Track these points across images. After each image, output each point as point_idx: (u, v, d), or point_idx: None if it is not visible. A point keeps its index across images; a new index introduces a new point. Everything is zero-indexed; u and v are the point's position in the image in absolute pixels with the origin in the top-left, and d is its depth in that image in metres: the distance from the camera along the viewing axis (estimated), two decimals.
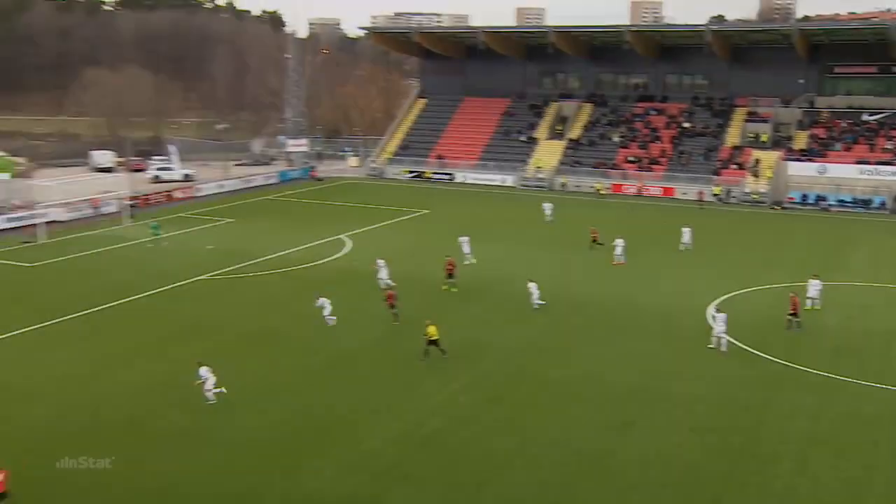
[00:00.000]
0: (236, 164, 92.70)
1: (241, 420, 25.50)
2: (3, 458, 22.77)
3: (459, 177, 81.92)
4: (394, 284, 39.23)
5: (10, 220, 58.00)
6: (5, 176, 76.04)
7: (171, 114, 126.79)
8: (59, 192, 61.17)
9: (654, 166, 76.75)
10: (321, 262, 46.35)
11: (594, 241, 49.21)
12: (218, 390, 26.85)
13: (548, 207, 58.87)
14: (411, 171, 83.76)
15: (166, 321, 35.18)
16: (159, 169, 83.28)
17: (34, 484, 21.45)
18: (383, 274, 39.96)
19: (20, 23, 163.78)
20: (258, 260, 46.94)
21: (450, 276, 39.86)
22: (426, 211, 64.17)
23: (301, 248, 50.13)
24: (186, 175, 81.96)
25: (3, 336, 33.22)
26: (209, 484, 21.68)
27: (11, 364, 30.24)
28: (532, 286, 36.72)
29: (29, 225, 56.76)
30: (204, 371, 26.89)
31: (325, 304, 34.25)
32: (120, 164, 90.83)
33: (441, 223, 58.78)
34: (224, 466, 22.64)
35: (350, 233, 54.86)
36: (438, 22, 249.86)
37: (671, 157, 77.61)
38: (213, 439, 24.22)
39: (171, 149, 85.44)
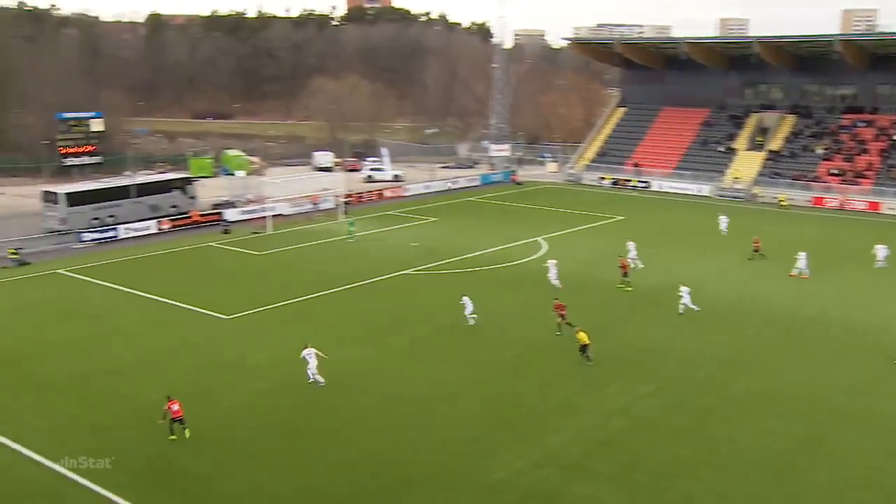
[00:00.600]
0: (442, 167, 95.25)
1: (435, 409, 26.40)
2: (231, 424, 25.22)
3: (655, 185, 79.58)
4: (561, 286, 39.72)
5: (243, 212, 63.27)
6: (242, 173, 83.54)
7: (385, 119, 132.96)
8: (285, 188, 66.24)
9: (859, 180, 70.65)
10: (517, 262, 46.74)
11: (756, 251, 47.29)
12: (316, 377, 27.62)
13: (723, 220, 55.89)
14: (608, 178, 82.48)
15: (372, 311, 36.82)
16: (372, 169, 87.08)
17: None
18: (552, 273, 40.58)
19: (262, 38, 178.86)
20: (458, 258, 47.97)
21: (624, 275, 40.54)
22: (621, 217, 62.95)
23: (499, 248, 50.70)
24: (396, 176, 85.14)
25: (236, 315, 36.49)
26: (398, 464, 22.59)
27: (242, 340, 33.20)
28: (684, 290, 35.82)
29: (259, 217, 61.90)
30: (307, 352, 27.81)
31: (467, 302, 34.24)
32: (337, 164, 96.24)
33: (635, 229, 57.48)
34: (416, 449, 23.50)
35: (546, 235, 54.90)
36: (640, 33, 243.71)
37: (879, 170, 71.10)
38: (406, 425, 25.15)
39: (384, 151, 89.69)
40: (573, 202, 70.25)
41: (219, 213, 61.26)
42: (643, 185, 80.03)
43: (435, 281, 42.85)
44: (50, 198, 56.87)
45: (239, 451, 23.38)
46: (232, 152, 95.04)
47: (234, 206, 65.51)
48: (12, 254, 47.49)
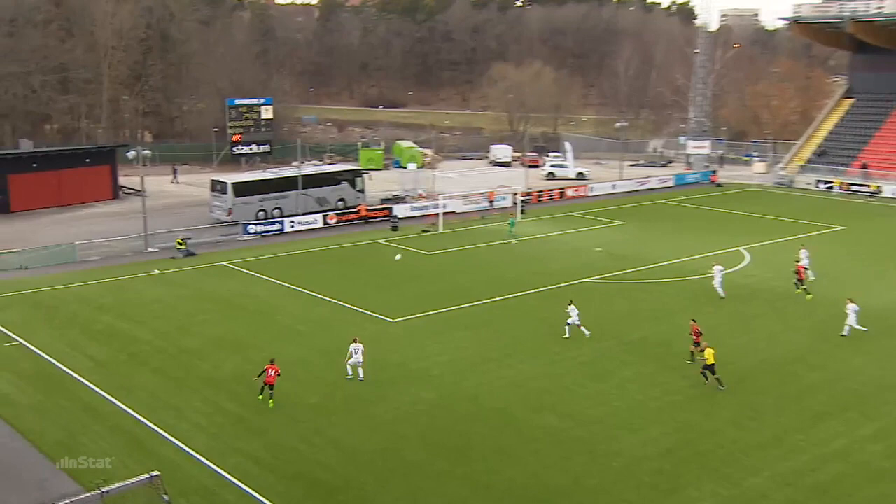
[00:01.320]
0: (631, 165, 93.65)
1: (615, 434, 25.92)
2: (391, 433, 25.99)
3: (888, 190, 73.81)
4: (723, 295, 40.00)
5: (413, 208, 64.99)
6: (413, 166, 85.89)
7: (570, 110, 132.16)
8: (459, 184, 67.53)
9: None
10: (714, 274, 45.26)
11: None
12: (353, 374, 29.73)
13: None
14: (829, 181, 77.49)
15: (549, 321, 36.78)
16: (553, 166, 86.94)
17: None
18: (717, 281, 40.77)
19: (439, 21, 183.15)
20: (647, 266, 47.11)
21: (800, 281, 40.82)
22: (841, 227, 59.02)
23: (694, 257, 49.37)
24: (580, 173, 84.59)
25: (403, 318, 37.49)
26: (567, 494, 22.37)
27: (405, 345, 34.08)
28: (851, 307, 34.80)
29: (430, 214, 63.33)
30: (354, 347, 29.99)
31: (573, 312, 34.39)
32: (516, 159, 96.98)
33: (857, 242, 53.75)
34: (589, 478, 23.20)
35: (749, 245, 52.66)
36: (879, 8, 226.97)
37: None
38: (580, 449, 24.87)
39: (567, 146, 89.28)
40: (783, 208, 66.86)
41: (388, 209, 63.29)
42: (871, 190, 74.51)
43: (620, 291, 42.35)
44: (218, 187, 60.91)
45: (398, 464, 24.00)
46: (404, 143, 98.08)
47: (404, 202, 67.51)
48: (180, 244, 51.32)
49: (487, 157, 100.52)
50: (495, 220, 61.82)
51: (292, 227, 59.15)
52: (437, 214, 60.70)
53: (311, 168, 69.17)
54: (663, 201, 71.91)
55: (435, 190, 69.40)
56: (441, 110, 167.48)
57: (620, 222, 61.61)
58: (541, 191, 73.07)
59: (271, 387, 27.90)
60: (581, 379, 30.37)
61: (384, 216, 62.47)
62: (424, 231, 58.74)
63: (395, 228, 59.26)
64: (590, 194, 75.16)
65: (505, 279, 44.47)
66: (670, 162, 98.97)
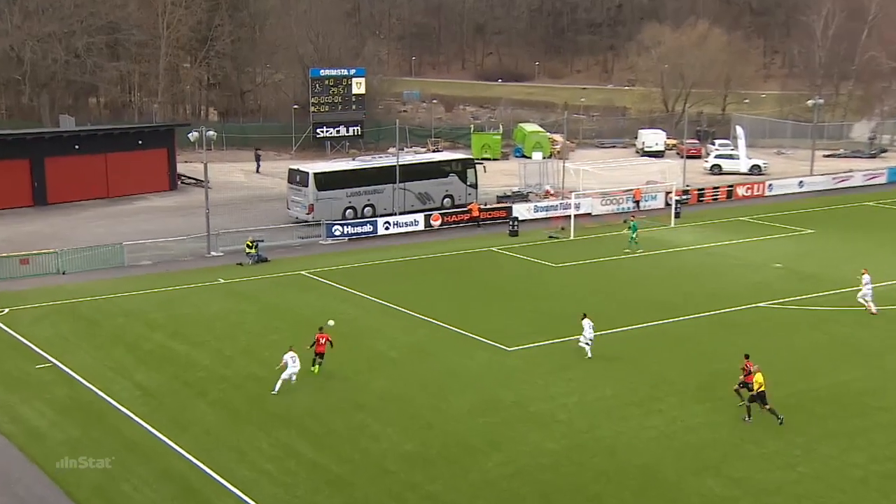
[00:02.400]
0: (826, 155, 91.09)
1: None
2: (505, 489, 25.86)
3: None
4: (875, 311, 41.54)
5: (538, 209, 65.06)
6: (539, 155, 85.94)
7: (745, 83, 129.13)
8: (597, 178, 66.95)
9: None
10: None
11: None
12: (284, 379, 32.45)
13: None
14: None
15: (709, 355, 36.36)
16: (719, 156, 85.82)
17: None
18: (867, 290, 42.29)
19: None
20: (843, 290, 45.73)
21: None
22: None
23: None
24: (754, 166, 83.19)
25: (522, 346, 37.44)
26: None
27: (524, 380, 33.91)
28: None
29: (558, 217, 63.19)
30: (290, 356, 32.68)
31: (587, 327, 36.07)
32: (671, 147, 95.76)
33: None
34: None
35: None
36: None
37: None
38: None
39: (738, 131, 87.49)
40: None
41: (506, 209, 63.67)
42: None
43: (807, 320, 41.45)
44: (296, 178, 62.42)
45: None
46: (528, 127, 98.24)
47: (526, 200, 67.77)
48: (249, 248, 52.59)
49: (634, 146, 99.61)
50: (643, 226, 61.09)
51: (387, 229, 60.10)
52: (568, 217, 60.55)
53: (411, 157, 69.99)
54: (868, 203, 70.10)
55: (566, 186, 69.13)
56: (576, 85, 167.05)
57: (809, 231, 60.32)
58: (702, 189, 72.13)
59: (321, 356, 34.14)
60: (755, 433, 29.59)
61: (501, 218, 62.84)
62: (551, 237, 58.84)
63: (514, 233, 59.39)
64: (768, 193, 73.91)
65: (652, 301, 44.07)
66: (883, 151, 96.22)
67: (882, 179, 79.42)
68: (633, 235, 55.02)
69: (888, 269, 49.31)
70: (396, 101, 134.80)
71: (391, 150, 75.28)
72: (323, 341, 34.23)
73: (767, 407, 29.86)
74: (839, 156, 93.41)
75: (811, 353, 36.96)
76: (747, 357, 31.42)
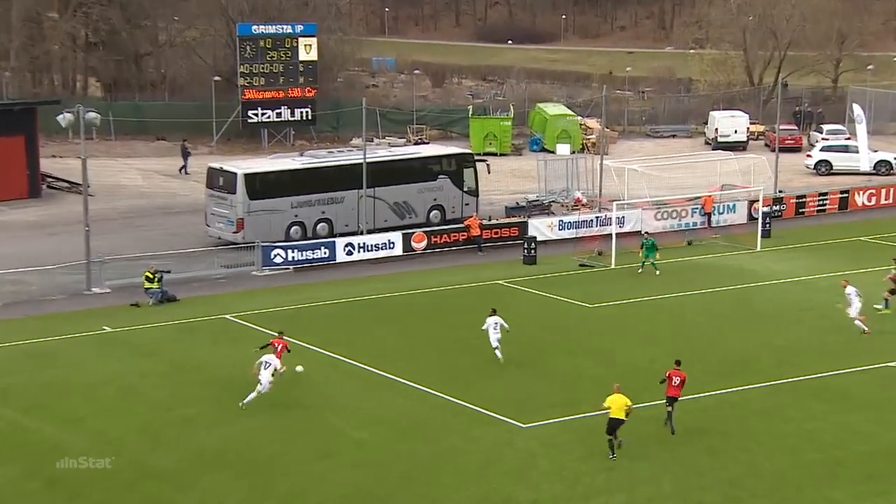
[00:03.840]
0: None
1: None
2: None
3: None
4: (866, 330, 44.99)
5: (566, 225, 64.95)
6: (567, 149, 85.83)
7: (865, 44, 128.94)
8: (650, 181, 66.73)
9: None
10: None
11: None
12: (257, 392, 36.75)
13: None
14: None
15: (811, 435, 36.34)
16: (829, 149, 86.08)
17: None
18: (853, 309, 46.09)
19: None
20: None
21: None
22: None
23: None
24: (882, 163, 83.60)
25: (541, 423, 37.01)
26: None
27: (545, 469, 33.59)
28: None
29: (594, 236, 63.27)
30: (266, 360, 37.52)
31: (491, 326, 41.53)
32: (757, 136, 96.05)
33: None
34: None
35: None
36: None
37: None
38: None
39: (857, 111, 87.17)
40: None
41: (520, 226, 63.60)
42: None
43: None
44: (219, 181, 62.31)
45: None
46: (551, 108, 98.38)
47: (548, 214, 67.90)
48: (149, 281, 52.25)
49: (703, 135, 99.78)
50: (715, 249, 61.22)
51: (350, 254, 60.03)
52: (608, 237, 60.52)
53: (384, 151, 69.99)
54: None
55: (604, 193, 69.03)
56: (619, 48, 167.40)
57: None
58: (803, 196, 72.22)
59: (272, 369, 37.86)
60: None
61: (512, 238, 62.85)
62: (583, 266, 58.96)
63: (530, 260, 59.29)
64: None
65: (729, 357, 44.20)
66: None
67: None
68: (646, 259, 56.16)
69: None
70: (363, 71, 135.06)
71: (356, 141, 75.32)
72: (279, 347, 38.48)
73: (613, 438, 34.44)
74: None
75: None
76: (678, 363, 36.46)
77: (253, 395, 37.59)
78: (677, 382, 36.70)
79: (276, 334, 40.26)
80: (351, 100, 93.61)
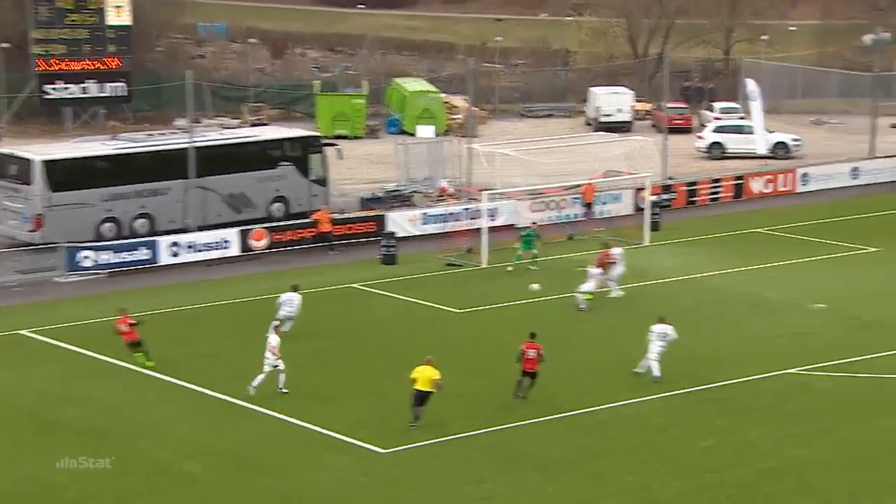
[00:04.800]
0: (895, 126, 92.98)
1: None
2: None
3: None
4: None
5: (430, 219, 65.15)
6: (431, 131, 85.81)
7: (760, 11, 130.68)
8: (525, 168, 67.05)
9: None
10: None
11: None
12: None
13: None
14: None
15: (706, 455, 36.82)
16: (722, 129, 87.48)
17: None
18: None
19: None
20: None
21: None
22: None
23: None
24: (779, 145, 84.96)
25: (401, 447, 36.93)
26: None
27: (419, 502, 33.99)
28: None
29: (463, 231, 62.94)
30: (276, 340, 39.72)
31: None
32: (643, 116, 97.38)
33: None
34: None
35: None
36: None
37: None
38: None
39: (751, 87, 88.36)
40: None
41: (377, 220, 63.70)
42: None
43: (874, 397, 42.16)
44: (10, 170, 61.47)
45: None
46: (411, 84, 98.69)
47: (410, 206, 68.21)
48: None
49: (582, 113, 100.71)
50: (598, 244, 61.52)
51: (175, 255, 59.52)
52: (479, 232, 60.73)
53: (215, 134, 69.45)
54: None
55: (473, 182, 69.21)
56: (487, 14, 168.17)
57: (871, 248, 61.53)
58: (694, 183, 73.32)
59: (135, 344, 41.31)
60: None
61: (368, 234, 62.95)
62: (451, 265, 59.14)
63: (389, 259, 59.34)
64: (802, 189, 75.74)
65: (611, 366, 44.62)
66: None
67: None
68: (532, 247, 56.99)
69: None
70: (188, 39, 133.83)
71: (180, 122, 74.60)
72: (125, 327, 40.82)
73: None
74: None
75: (886, 455, 37.23)
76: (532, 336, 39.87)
77: (261, 376, 40.61)
78: (532, 355, 39.55)
79: (119, 315, 41.67)
80: (174, 73, 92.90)
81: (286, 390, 40.85)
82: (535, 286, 51.97)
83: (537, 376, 40.13)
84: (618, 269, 52.77)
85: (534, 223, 60.63)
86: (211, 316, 51.65)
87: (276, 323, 43.09)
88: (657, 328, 43.38)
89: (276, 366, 40.81)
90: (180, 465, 36.44)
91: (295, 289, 46.59)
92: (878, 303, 51.98)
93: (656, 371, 42.82)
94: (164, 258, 59.08)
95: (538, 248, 57.54)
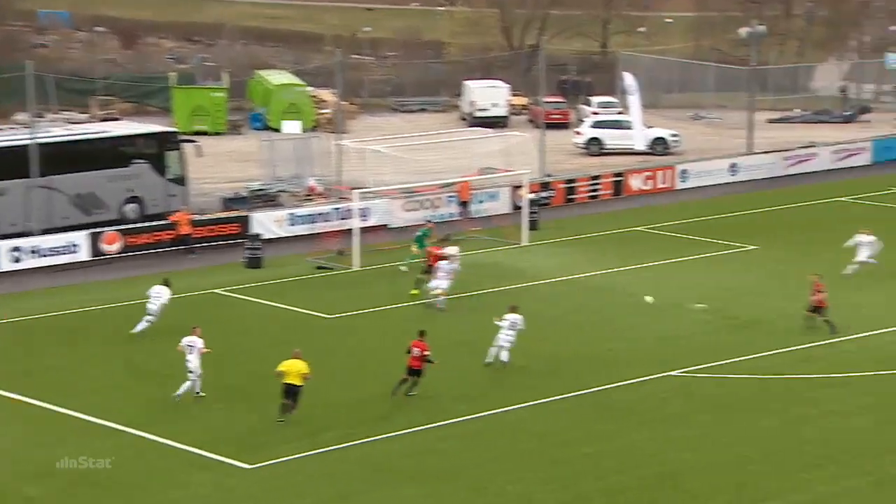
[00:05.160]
0: (773, 121, 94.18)
1: None
2: None
3: None
4: None
5: (298, 219, 65.12)
6: (297, 126, 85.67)
7: (637, 4, 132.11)
8: (397, 165, 67.09)
9: None
10: None
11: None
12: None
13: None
14: None
15: (585, 463, 37.16)
16: (600, 124, 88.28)
17: None
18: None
19: None
20: (810, 344, 47.68)
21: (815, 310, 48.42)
22: None
23: None
24: (657, 140, 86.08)
25: (267, 462, 36.91)
26: None
27: None
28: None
29: (333, 232, 63.11)
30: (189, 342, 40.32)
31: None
32: (520, 111, 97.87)
33: None
34: None
35: None
36: None
37: None
38: None
39: (629, 81, 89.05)
40: None
41: (241, 221, 63.49)
42: None
43: (753, 396, 43.11)
44: None
45: None
46: (275, 77, 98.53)
47: (276, 206, 68.14)
48: None
49: (457, 108, 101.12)
50: (475, 244, 61.83)
51: (17, 260, 58.87)
52: (350, 233, 60.73)
53: (61, 130, 68.72)
54: (841, 199, 73.21)
55: (344, 180, 69.14)
56: (355, 4, 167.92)
57: (750, 246, 62.52)
58: (573, 180, 73.90)
59: None
60: None
61: (231, 236, 62.76)
62: (321, 268, 59.10)
63: (254, 263, 59.19)
64: (681, 186, 76.71)
65: (485, 373, 44.76)
66: (864, 111, 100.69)
67: (863, 159, 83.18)
68: (423, 245, 56.51)
69: (878, 303, 52.11)
70: (27, 27, 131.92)
71: (20, 117, 73.82)
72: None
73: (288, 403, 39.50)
74: (793, 120, 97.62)
75: (770, 450, 38.01)
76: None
77: (186, 385, 41.09)
78: (416, 353, 41.16)
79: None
80: (13, 64, 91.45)
81: (201, 394, 41.73)
82: (649, 298, 52.03)
83: (421, 375, 41.34)
84: (452, 266, 52.73)
85: (429, 221, 61.02)
86: (56, 326, 50.99)
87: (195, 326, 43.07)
88: (508, 317, 44.91)
89: (191, 371, 41.38)
90: (20, 488, 35.89)
91: (166, 283, 47.30)
92: (754, 302, 52.84)
93: (504, 357, 44.70)
94: (5, 264, 58.35)
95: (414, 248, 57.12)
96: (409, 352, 41.44)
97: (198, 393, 41.65)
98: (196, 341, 41.61)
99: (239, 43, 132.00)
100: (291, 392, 39.13)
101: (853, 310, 51.68)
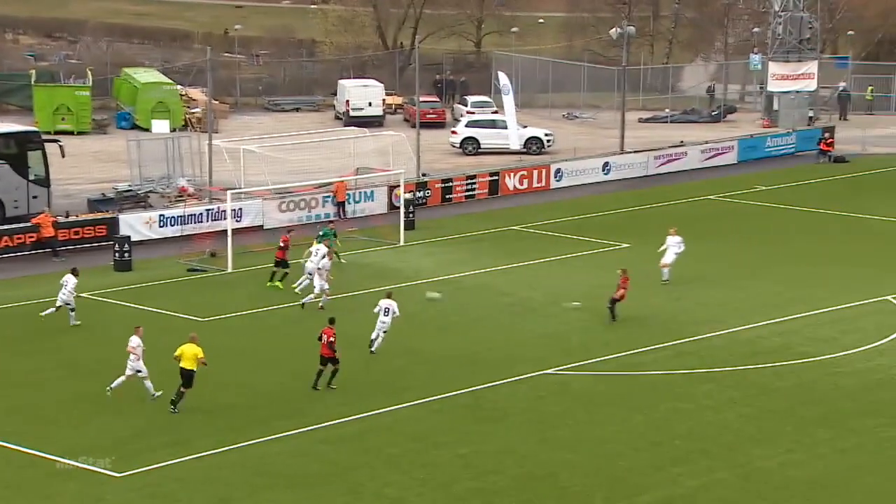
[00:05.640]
0: (644, 120, 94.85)
1: None
2: None
3: None
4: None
5: (168, 221, 64.26)
6: (165, 125, 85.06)
7: (510, 3, 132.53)
8: (271, 165, 66.77)
9: None
10: (828, 358, 46.64)
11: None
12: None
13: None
14: None
15: (470, 465, 37.06)
16: (474, 124, 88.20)
17: None
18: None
19: None
20: (678, 341, 48.37)
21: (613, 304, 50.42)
22: None
23: (784, 319, 50.91)
24: (532, 140, 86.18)
25: (138, 469, 36.06)
26: None
27: None
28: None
29: (206, 234, 62.65)
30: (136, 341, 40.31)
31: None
32: (394, 110, 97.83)
33: None
34: None
35: None
36: None
37: None
38: None
39: (503, 81, 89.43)
40: None
41: (108, 223, 62.55)
42: None
43: (622, 393, 43.46)
44: None
45: None
46: (142, 75, 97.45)
47: (145, 207, 67.44)
48: None
49: (332, 107, 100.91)
50: (353, 244, 61.72)
51: None
52: (223, 233, 60.21)
53: None
54: (709, 197, 74.21)
55: (215, 181, 68.67)
56: (226, 1, 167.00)
57: (623, 244, 63.15)
58: (449, 179, 73.98)
59: None
60: None
61: (98, 239, 61.92)
62: (193, 270, 58.65)
63: (123, 266, 58.56)
64: (555, 185, 77.08)
65: (361, 375, 44.54)
66: (730, 111, 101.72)
67: (730, 157, 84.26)
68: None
69: (752, 304, 52.65)
70: None
71: None
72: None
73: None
74: (663, 120, 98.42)
75: (635, 446, 38.33)
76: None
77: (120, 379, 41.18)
78: (325, 340, 41.94)
79: None
80: None
81: (156, 395, 41.27)
82: (435, 294, 52.48)
83: (338, 362, 42.34)
84: (321, 263, 52.64)
85: (330, 221, 61.19)
86: None
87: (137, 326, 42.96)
88: (383, 303, 46.28)
89: (139, 371, 41.01)
90: None
91: (74, 273, 47.71)
92: (628, 299, 52.12)
93: (378, 342, 46.16)
94: None
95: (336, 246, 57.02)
96: (320, 339, 42.14)
97: (154, 395, 41.30)
98: (137, 341, 41.40)
99: (103, 40, 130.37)
100: (185, 376, 39.64)
101: (720, 306, 52.83)
